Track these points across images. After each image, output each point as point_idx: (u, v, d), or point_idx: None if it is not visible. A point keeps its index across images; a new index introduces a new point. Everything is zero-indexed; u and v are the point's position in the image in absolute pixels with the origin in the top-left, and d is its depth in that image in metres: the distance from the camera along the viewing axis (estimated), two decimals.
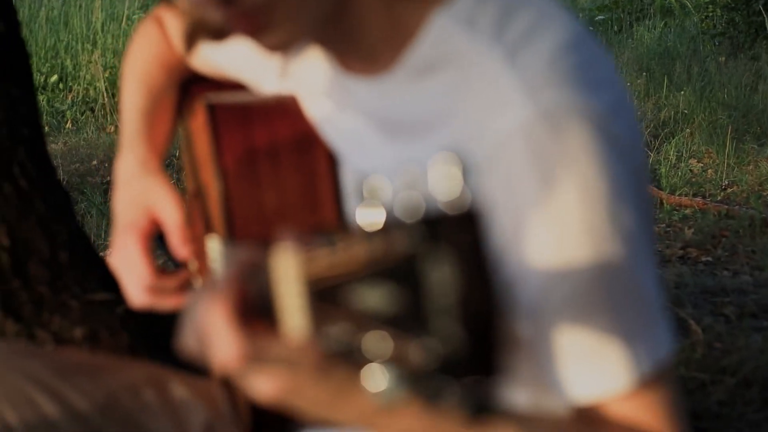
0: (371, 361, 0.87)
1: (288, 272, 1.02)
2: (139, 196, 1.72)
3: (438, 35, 1.26)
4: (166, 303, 1.71)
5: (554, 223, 1.14)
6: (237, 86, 1.84)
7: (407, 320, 0.84)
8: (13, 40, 2.31)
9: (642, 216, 1.19)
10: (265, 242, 1.56)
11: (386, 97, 1.34)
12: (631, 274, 1.18)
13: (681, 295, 4.06)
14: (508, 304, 0.83)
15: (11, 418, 1.54)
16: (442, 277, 0.81)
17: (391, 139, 1.35)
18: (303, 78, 1.57)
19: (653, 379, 1.18)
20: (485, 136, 1.17)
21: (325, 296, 0.96)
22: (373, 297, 0.87)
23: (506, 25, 1.21)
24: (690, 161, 6.45)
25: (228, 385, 1.71)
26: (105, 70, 5.26)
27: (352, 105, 1.41)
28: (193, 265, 1.93)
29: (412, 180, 0.83)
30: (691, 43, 9.78)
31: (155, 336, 2.32)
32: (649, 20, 11.06)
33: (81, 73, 5.14)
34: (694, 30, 10.40)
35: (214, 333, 0.99)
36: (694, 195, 5.80)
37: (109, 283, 2.37)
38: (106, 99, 5.08)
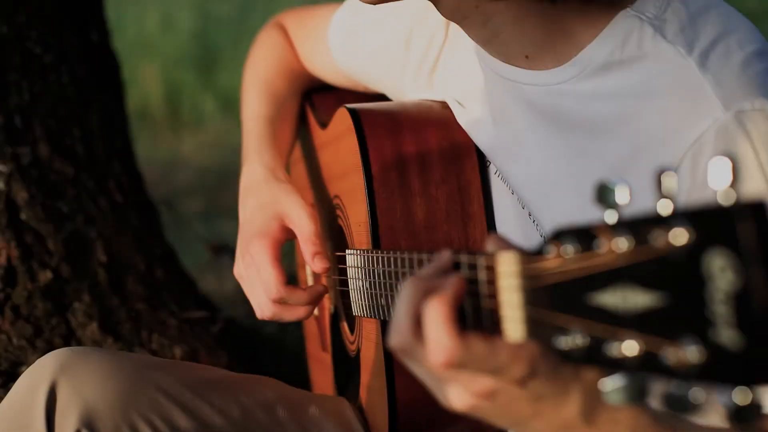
0: (611, 364, 0.82)
1: (509, 279, 0.98)
2: (269, 202, 1.65)
3: (623, 37, 1.26)
4: (293, 316, 1.65)
5: None
6: (360, 96, 1.79)
7: (662, 320, 0.77)
8: (104, 51, 2.26)
9: None
10: (467, 248, 1.50)
11: (555, 92, 1.32)
12: None
13: None
14: None
15: None
16: (718, 274, 0.76)
17: (563, 135, 1.32)
18: (452, 84, 1.53)
19: None
20: (680, 136, 1.19)
21: (548, 301, 0.91)
22: (617, 297, 0.81)
23: (695, 32, 1.24)
24: None
25: (359, 404, 1.64)
26: (162, 80, 5.02)
27: (516, 100, 1.37)
28: (316, 276, 1.87)
29: (669, 181, 0.80)
30: None
31: (252, 355, 2.25)
32: None
33: (136, 83, 4.85)
34: None
35: (431, 333, 0.95)
36: None
37: (201, 300, 2.30)
38: (162, 111, 4.84)
